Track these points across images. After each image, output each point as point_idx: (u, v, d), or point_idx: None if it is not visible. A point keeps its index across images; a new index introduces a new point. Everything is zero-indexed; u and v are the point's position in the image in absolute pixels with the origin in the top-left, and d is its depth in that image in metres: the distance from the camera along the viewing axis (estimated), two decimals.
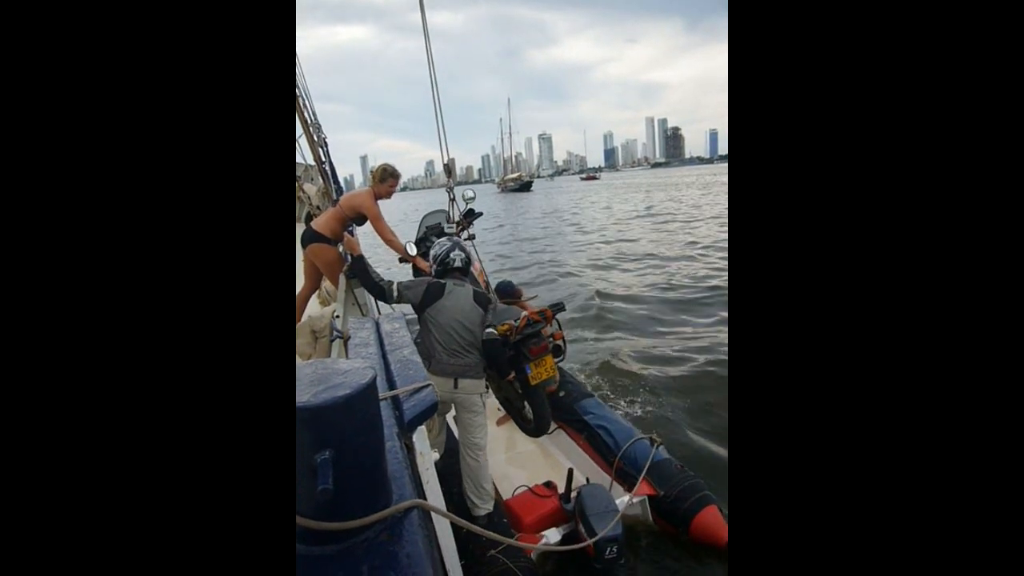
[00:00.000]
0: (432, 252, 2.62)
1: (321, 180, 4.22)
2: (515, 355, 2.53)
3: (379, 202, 3.01)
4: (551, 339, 2.74)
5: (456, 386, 2.29)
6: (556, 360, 2.72)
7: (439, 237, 3.64)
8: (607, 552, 2.06)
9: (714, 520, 2.24)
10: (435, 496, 1.11)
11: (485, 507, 2.30)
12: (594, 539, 2.01)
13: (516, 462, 2.89)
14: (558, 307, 2.93)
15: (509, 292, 3.37)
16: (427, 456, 1.12)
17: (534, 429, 2.75)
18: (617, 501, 2.27)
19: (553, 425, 3.06)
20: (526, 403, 2.71)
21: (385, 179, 3.00)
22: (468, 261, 2.61)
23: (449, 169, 3.76)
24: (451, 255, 2.54)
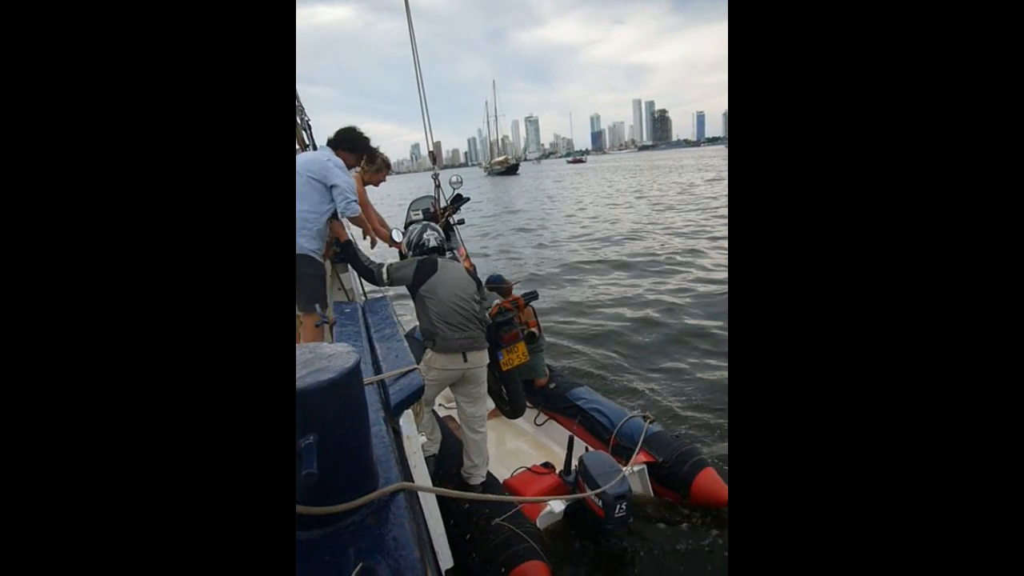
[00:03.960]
0: (404, 241, 2.58)
1: None
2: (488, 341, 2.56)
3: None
4: (524, 327, 2.84)
5: (466, 360, 2.25)
6: (530, 347, 2.82)
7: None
8: (616, 510, 2.08)
9: (713, 481, 2.32)
10: (423, 479, 1.11)
11: (481, 475, 2.34)
12: (598, 490, 2.04)
13: (509, 455, 2.92)
14: (531, 296, 3.07)
15: (498, 284, 3.40)
16: (414, 440, 1.12)
17: (510, 412, 2.88)
18: None
19: (543, 416, 3.11)
20: (503, 387, 2.82)
21: (376, 166, 2.91)
22: (444, 240, 2.58)
23: (434, 156, 3.73)
24: (424, 236, 2.48)
